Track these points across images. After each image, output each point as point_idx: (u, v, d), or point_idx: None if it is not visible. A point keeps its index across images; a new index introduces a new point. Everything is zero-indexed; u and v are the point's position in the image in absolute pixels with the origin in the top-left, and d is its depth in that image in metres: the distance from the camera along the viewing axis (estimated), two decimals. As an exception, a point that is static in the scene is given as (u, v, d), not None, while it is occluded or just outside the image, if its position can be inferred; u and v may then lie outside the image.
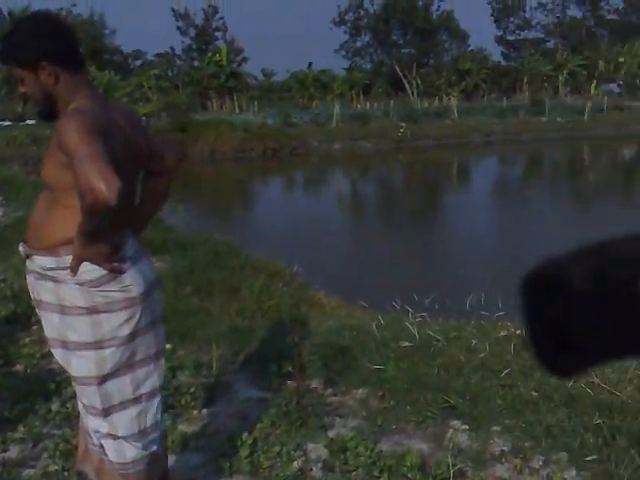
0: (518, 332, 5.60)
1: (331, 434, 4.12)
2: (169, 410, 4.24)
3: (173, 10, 67.38)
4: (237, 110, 51.23)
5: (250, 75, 69.10)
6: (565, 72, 58.93)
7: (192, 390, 4.61)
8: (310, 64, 61.28)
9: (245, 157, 35.99)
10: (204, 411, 4.49)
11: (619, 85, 53.74)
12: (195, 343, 5.60)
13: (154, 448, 2.86)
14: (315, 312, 7.08)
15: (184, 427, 4.23)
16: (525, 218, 19.29)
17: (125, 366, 2.67)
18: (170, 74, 64.97)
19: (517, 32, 73.03)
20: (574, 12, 71.93)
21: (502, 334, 5.59)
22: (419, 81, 60.93)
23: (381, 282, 10.59)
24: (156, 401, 2.84)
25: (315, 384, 5.00)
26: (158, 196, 2.99)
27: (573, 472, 3.45)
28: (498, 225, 19.09)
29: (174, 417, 4.28)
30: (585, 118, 43.72)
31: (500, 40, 74.53)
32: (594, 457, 3.51)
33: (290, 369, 4.55)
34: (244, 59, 66.33)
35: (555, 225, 17.81)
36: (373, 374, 4.95)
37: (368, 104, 56.10)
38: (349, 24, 66.17)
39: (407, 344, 5.24)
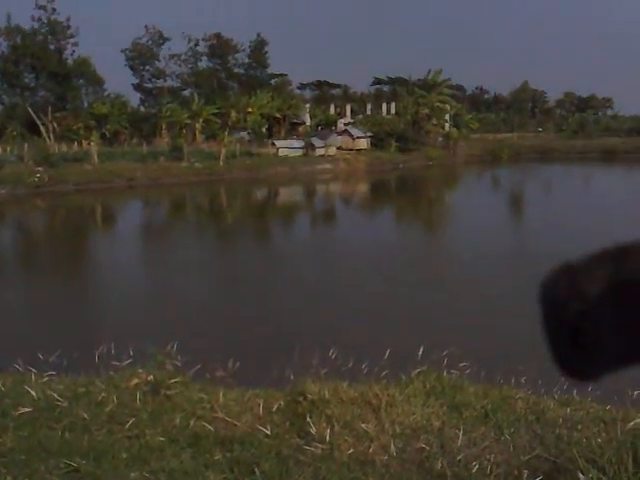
0: (149, 378, 5.59)
1: None
2: None
3: None
4: None
5: None
6: (201, 120, 62.19)
7: None
8: None
9: None
10: None
11: (249, 133, 58.77)
12: None
13: None
14: None
15: None
16: (172, 259, 19.63)
17: None
18: None
19: (153, 80, 74.96)
20: (206, 64, 76.52)
21: (133, 382, 5.52)
22: (55, 125, 58.26)
23: (8, 342, 9.66)
24: None
25: None
26: None
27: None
28: (144, 268, 19.05)
29: None
30: (220, 163, 46.78)
31: (138, 87, 75.58)
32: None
33: None
34: None
35: (199, 261, 18.52)
36: (-13, 450, 4.43)
37: (0, 148, 51.63)
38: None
39: (27, 409, 4.83)
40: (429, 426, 4.84)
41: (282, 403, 5.25)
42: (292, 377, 5.75)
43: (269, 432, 4.58)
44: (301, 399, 5.25)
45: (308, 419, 4.81)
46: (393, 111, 68.88)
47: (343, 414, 4.96)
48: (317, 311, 12.48)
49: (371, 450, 4.43)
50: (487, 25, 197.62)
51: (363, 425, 4.73)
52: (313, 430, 4.60)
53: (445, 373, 5.75)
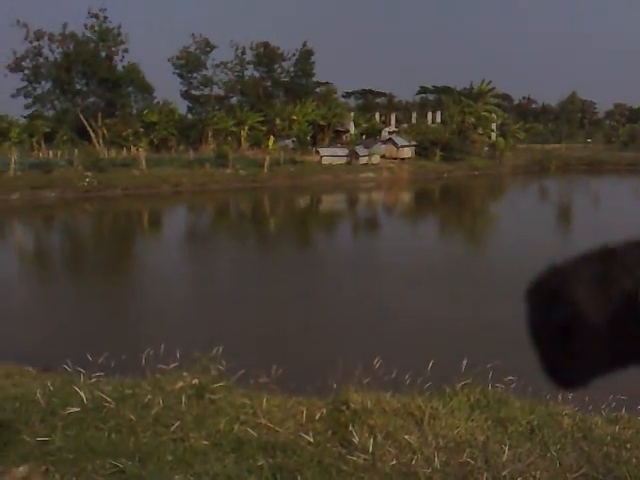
0: (193, 381, 5.65)
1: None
2: None
3: None
4: None
5: None
6: (246, 128, 62.86)
7: None
8: (-17, 109, 56.19)
9: None
10: None
11: (293, 141, 59.20)
12: None
13: None
14: (-27, 385, 6.29)
15: None
16: (217, 264, 19.86)
17: None
18: None
19: (201, 88, 76.02)
20: (252, 72, 77.36)
21: (178, 386, 5.59)
22: (105, 131, 59.61)
23: (58, 342, 9.91)
24: None
25: (-33, 468, 4.41)
26: None
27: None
28: (190, 273, 19.30)
29: None
30: (265, 170, 47.23)
31: (186, 94, 76.76)
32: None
33: None
34: None
35: (244, 267, 18.70)
36: (36, 447, 4.55)
37: (51, 152, 53.06)
38: (27, 71, 62.29)
39: (75, 409, 4.93)
40: (473, 440, 4.78)
41: (324, 411, 5.25)
42: (335, 386, 5.75)
43: (312, 440, 4.59)
44: (344, 408, 5.24)
45: (351, 428, 4.80)
46: (438, 120, 68.47)
47: (386, 425, 4.93)
48: (360, 320, 12.45)
49: (414, 462, 4.40)
50: (535, 36, 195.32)
51: (406, 437, 4.70)
52: (356, 440, 4.59)
53: (490, 387, 5.67)
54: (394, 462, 4.38)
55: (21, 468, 4.39)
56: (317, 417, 5.10)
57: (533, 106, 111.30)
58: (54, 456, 4.40)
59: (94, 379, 5.82)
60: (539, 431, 4.99)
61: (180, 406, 5.07)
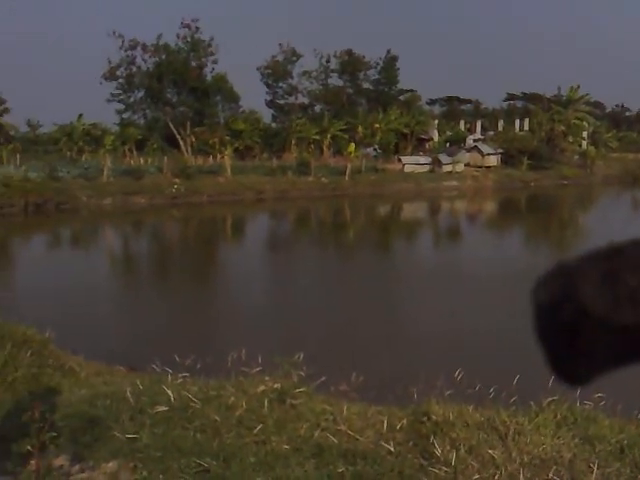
0: (275, 386, 5.74)
1: (75, 515, 3.82)
2: None
3: None
4: (-5, 163, 47.53)
5: (12, 127, 65.10)
6: (329, 136, 63.32)
7: None
8: (80, 115, 59.08)
9: (4, 213, 33.27)
10: None
11: (375, 149, 59.26)
12: None
13: None
14: (68, 381, 6.63)
15: None
16: (298, 271, 20.08)
17: None
18: None
19: (285, 97, 77.27)
20: (336, 81, 77.99)
21: (260, 389, 5.68)
22: (193, 139, 61.41)
23: (147, 343, 10.27)
24: None
25: (62, 461, 4.64)
26: None
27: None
28: (272, 279, 19.61)
29: None
30: (346, 178, 47.46)
31: (271, 103, 78.22)
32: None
33: (29, 448, 4.17)
34: (5, 110, 62.73)
35: (325, 273, 18.82)
36: (126, 444, 4.73)
37: (142, 159, 55.15)
38: (121, 80, 64.93)
39: (163, 409, 5.10)
40: (559, 458, 4.62)
41: (405, 422, 5.20)
42: (415, 396, 5.69)
43: (392, 449, 4.56)
44: (425, 419, 5.18)
45: (432, 440, 4.74)
46: (526, 127, 66.75)
47: (468, 438, 4.84)
48: (442, 331, 12.28)
49: (497, 478, 4.30)
50: (630, 40, 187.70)
51: (489, 451, 4.59)
52: (437, 452, 4.53)
53: (578, 403, 5.47)
54: (477, 477, 4.29)
55: (111, 464, 4.58)
56: (398, 427, 5.06)
57: (627, 114, 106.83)
58: (142, 453, 4.56)
59: (180, 379, 5.98)
60: (629, 451, 4.77)
61: (262, 409, 5.15)
